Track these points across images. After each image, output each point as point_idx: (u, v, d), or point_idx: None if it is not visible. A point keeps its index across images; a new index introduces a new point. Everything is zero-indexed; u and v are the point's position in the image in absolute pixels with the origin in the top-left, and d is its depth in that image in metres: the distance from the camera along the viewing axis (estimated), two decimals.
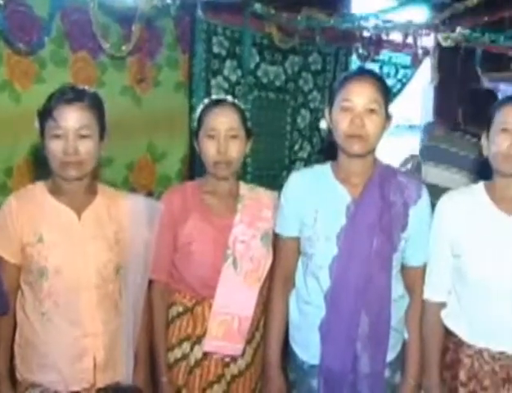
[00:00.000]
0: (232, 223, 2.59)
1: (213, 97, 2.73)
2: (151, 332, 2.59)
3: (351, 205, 2.39)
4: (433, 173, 4.16)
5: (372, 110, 2.32)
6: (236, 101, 2.69)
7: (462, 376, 2.42)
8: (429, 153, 4.25)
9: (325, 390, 2.44)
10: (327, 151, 2.54)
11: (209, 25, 4.27)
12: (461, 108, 4.44)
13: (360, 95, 2.32)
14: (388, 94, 2.44)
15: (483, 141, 2.45)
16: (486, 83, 5.39)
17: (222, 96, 2.82)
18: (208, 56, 4.30)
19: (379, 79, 2.42)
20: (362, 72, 2.47)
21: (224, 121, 2.56)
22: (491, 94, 4.46)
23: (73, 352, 2.33)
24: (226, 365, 2.59)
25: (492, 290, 2.33)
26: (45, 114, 2.26)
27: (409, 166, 4.89)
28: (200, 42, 4.23)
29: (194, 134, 2.66)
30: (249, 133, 2.65)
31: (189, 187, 2.69)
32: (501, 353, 2.35)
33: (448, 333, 2.48)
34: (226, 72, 4.42)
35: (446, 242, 2.44)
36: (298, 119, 5.02)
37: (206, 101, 2.66)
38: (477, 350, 2.39)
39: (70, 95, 2.27)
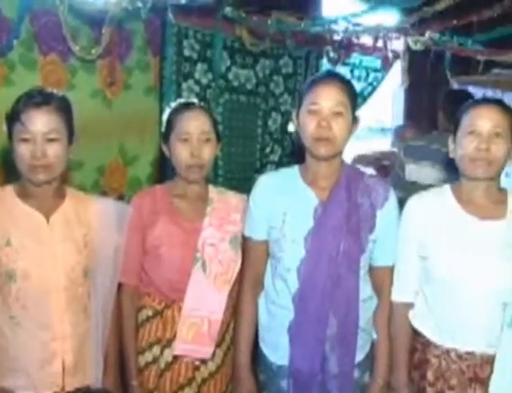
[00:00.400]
0: (201, 227, 2.59)
1: (182, 100, 2.73)
2: (121, 336, 2.59)
3: (318, 208, 2.41)
4: (416, 172, 4.19)
5: (339, 114, 2.34)
6: (204, 104, 2.69)
7: (430, 376, 2.45)
8: (412, 152, 4.28)
9: (295, 390, 2.46)
10: (298, 154, 2.55)
11: (180, 28, 4.26)
12: (439, 109, 4.48)
13: (327, 98, 2.34)
14: (355, 97, 2.46)
15: (450, 144, 2.48)
16: (455, 87, 5.44)
17: (190, 99, 2.81)
18: (178, 59, 4.29)
19: (345, 83, 2.44)
20: (329, 75, 2.48)
21: (197, 125, 2.57)
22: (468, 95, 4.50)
23: (42, 356, 2.31)
24: (197, 368, 2.60)
25: (459, 291, 2.36)
26: (13, 117, 2.25)
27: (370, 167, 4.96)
28: (171, 45, 4.22)
29: (162, 137, 2.66)
30: (218, 137, 2.66)
31: (158, 190, 2.69)
32: (468, 353, 2.38)
33: (416, 334, 2.51)
34: (197, 75, 4.40)
35: (414, 243, 2.47)
36: (269, 123, 5.03)
37: (175, 104, 2.66)
38: (444, 350, 2.42)
39: (38, 98, 2.26)
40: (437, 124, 4.52)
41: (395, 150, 5.34)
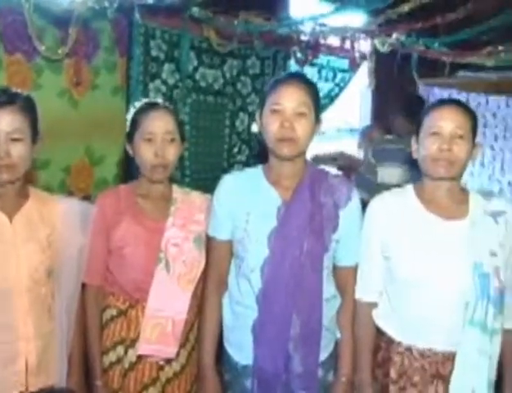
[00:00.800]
0: (165, 226, 2.59)
1: (146, 100, 2.73)
2: (85, 336, 2.58)
3: (282, 208, 2.42)
4: (388, 174, 4.22)
5: (302, 114, 2.36)
6: (171, 104, 2.69)
7: (393, 373, 2.47)
8: (381, 154, 4.31)
9: (259, 390, 2.47)
10: (263, 154, 2.56)
11: (147, 28, 4.24)
12: (400, 113, 4.53)
13: (290, 99, 2.36)
14: (318, 98, 2.47)
15: (413, 144, 2.51)
16: (421, 88, 5.50)
17: (155, 99, 2.81)
18: (146, 59, 4.27)
19: (308, 83, 2.45)
20: (292, 76, 2.50)
21: (161, 125, 2.57)
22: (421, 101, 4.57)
23: (6, 355, 2.30)
24: (161, 368, 2.60)
25: (421, 290, 2.38)
26: None
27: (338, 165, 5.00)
28: (138, 45, 4.20)
29: (126, 137, 2.66)
30: (183, 137, 2.67)
31: (122, 190, 2.69)
32: (430, 350, 2.41)
33: (380, 333, 2.53)
34: (164, 75, 4.39)
35: (377, 243, 2.49)
36: (237, 123, 5.03)
37: (139, 104, 2.66)
38: (407, 347, 2.44)
39: (2, 98, 2.24)
40: (394, 127, 4.58)
41: (350, 153, 5.40)
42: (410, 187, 2.55)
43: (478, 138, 4.37)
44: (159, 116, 2.58)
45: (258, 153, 5.13)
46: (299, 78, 2.47)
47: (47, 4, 3.43)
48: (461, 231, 2.40)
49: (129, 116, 2.64)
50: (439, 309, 2.37)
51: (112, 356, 2.59)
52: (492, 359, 2.38)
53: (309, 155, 4.84)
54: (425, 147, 2.41)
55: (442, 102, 2.53)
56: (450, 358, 2.38)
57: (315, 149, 5.17)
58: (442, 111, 2.41)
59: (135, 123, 2.59)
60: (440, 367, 2.41)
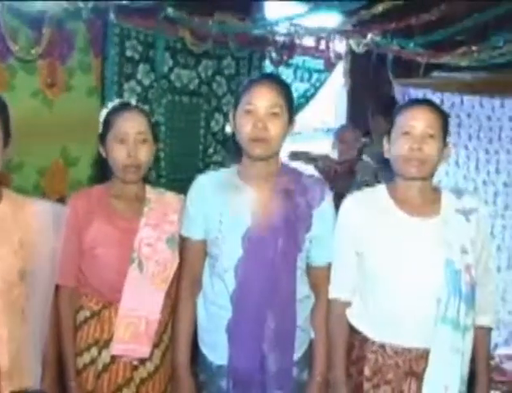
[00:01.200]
0: (138, 227, 2.59)
1: (118, 101, 2.73)
2: (59, 337, 2.57)
3: (255, 208, 2.43)
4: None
5: (275, 114, 2.37)
6: (146, 105, 2.70)
7: (367, 371, 2.48)
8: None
9: (234, 390, 2.47)
10: (237, 154, 2.57)
11: (122, 29, 4.22)
12: (377, 114, 4.56)
13: (263, 99, 2.37)
14: (291, 99, 2.49)
15: (385, 144, 2.53)
16: (397, 88, 5.53)
17: (126, 100, 2.82)
18: (121, 59, 4.26)
19: (282, 84, 2.47)
20: (266, 77, 2.52)
21: (134, 125, 2.57)
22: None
23: None
24: (135, 368, 2.59)
25: (394, 288, 2.40)
26: None
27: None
28: (113, 45, 4.18)
29: (98, 138, 2.65)
30: (156, 138, 2.67)
31: (95, 190, 2.69)
32: (404, 348, 2.42)
33: (353, 331, 2.54)
34: (139, 76, 4.38)
35: (350, 242, 2.51)
36: (212, 123, 5.02)
37: (112, 105, 2.66)
38: (380, 345, 2.46)
39: None
40: (373, 127, 4.60)
41: (329, 154, 5.41)
42: (382, 187, 2.57)
43: (453, 138, 4.43)
44: (131, 117, 2.58)
45: (234, 153, 5.13)
46: (272, 78, 2.50)
47: (21, 5, 3.42)
48: (433, 229, 2.43)
49: (101, 117, 2.64)
50: (412, 306, 2.38)
51: (86, 357, 2.58)
52: (465, 355, 2.40)
53: (286, 152, 4.87)
54: (397, 147, 2.44)
55: (413, 102, 2.56)
56: (423, 355, 2.40)
57: (292, 148, 5.19)
58: (413, 111, 2.44)
59: (107, 124, 2.59)
60: (413, 364, 2.43)
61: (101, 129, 2.63)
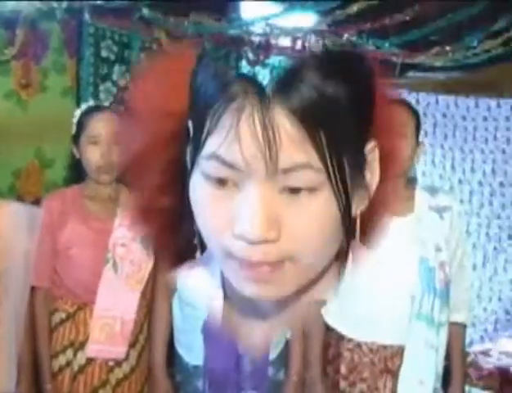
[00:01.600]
0: (112, 227, 2.59)
1: (91, 102, 2.73)
2: (34, 340, 2.56)
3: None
4: None
5: None
6: (116, 106, 2.69)
7: (343, 369, 2.50)
8: None
9: (210, 390, 2.47)
10: None
11: (97, 29, 4.19)
12: None
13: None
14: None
15: None
16: None
17: (99, 102, 2.81)
18: (96, 60, 4.22)
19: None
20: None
21: (107, 126, 2.57)
22: None
23: None
24: (111, 370, 2.59)
25: (368, 286, 2.40)
26: None
27: None
28: (88, 46, 4.15)
29: (72, 140, 2.65)
30: None
31: (69, 191, 2.69)
32: (379, 345, 2.44)
33: (329, 329, 2.56)
34: (114, 77, 4.35)
35: None
36: None
37: (84, 106, 2.66)
38: (356, 343, 2.47)
39: None
40: None
41: None
42: None
43: (429, 138, 4.44)
44: (104, 118, 2.58)
45: None
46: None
47: None
48: (407, 227, 2.44)
49: (75, 119, 2.64)
50: (387, 304, 2.41)
51: (61, 359, 2.57)
52: (439, 351, 2.42)
53: None
54: None
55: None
56: (398, 352, 2.42)
57: None
58: None
59: (80, 125, 2.60)
60: (389, 362, 2.45)
61: (74, 131, 2.63)
